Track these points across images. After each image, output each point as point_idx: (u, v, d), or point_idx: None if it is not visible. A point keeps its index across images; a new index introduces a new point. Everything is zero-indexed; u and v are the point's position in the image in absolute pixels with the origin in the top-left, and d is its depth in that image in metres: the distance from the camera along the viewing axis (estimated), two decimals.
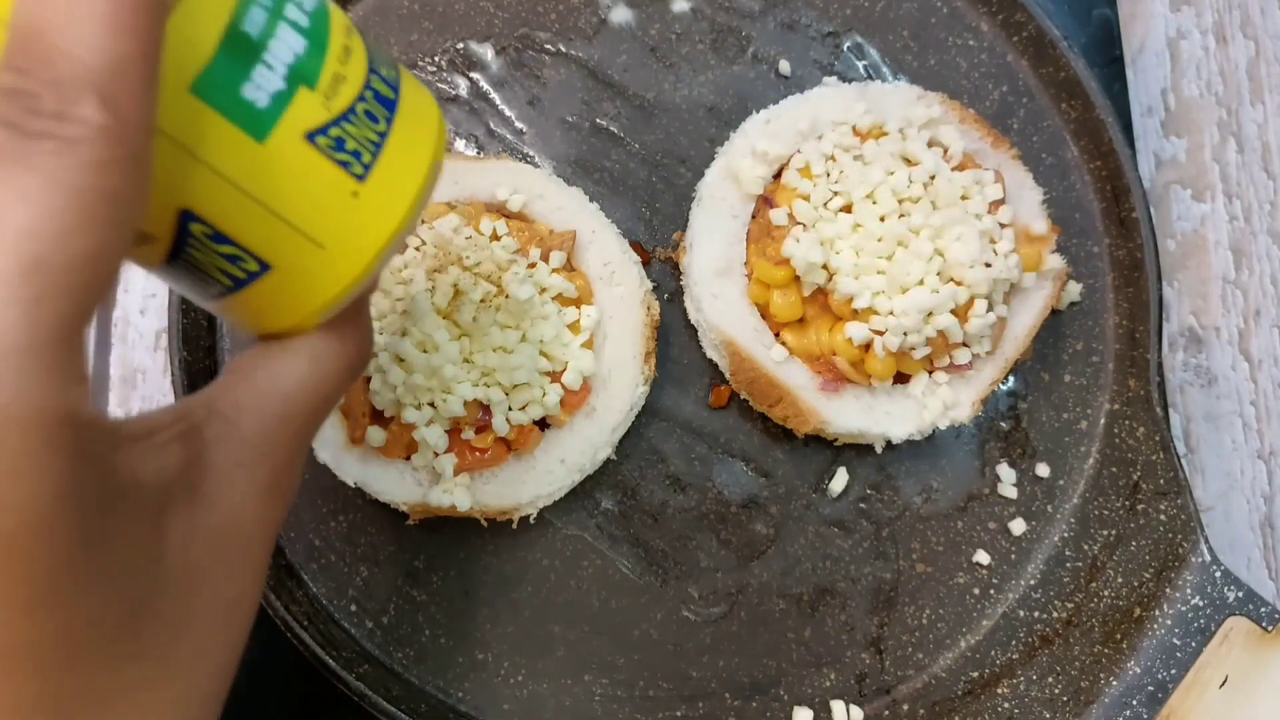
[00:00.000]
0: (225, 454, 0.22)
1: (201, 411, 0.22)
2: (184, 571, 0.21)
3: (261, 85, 0.21)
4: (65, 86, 0.17)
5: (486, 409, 0.42)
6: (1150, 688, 0.42)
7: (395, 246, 0.24)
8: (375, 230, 0.23)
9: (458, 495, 0.42)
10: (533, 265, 0.44)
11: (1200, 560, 0.43)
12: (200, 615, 0.21)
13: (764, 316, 0.45)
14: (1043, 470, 0.47)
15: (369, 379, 0.43)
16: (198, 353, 0.46)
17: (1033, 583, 0.46)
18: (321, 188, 0.22)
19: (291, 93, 0.21)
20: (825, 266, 0.43)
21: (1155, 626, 0.43)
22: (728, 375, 0.46)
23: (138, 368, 0.51)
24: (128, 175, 0.18)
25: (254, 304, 0.24)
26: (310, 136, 0.22)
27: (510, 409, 0.42)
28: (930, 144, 0.46)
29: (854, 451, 0.47)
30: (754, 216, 0.46)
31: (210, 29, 0.20)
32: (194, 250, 0.23)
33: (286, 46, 0.21)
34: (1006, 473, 0.47)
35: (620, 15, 0.51)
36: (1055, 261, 0.46)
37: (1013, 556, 0.47)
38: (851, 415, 0.45)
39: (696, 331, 0.47)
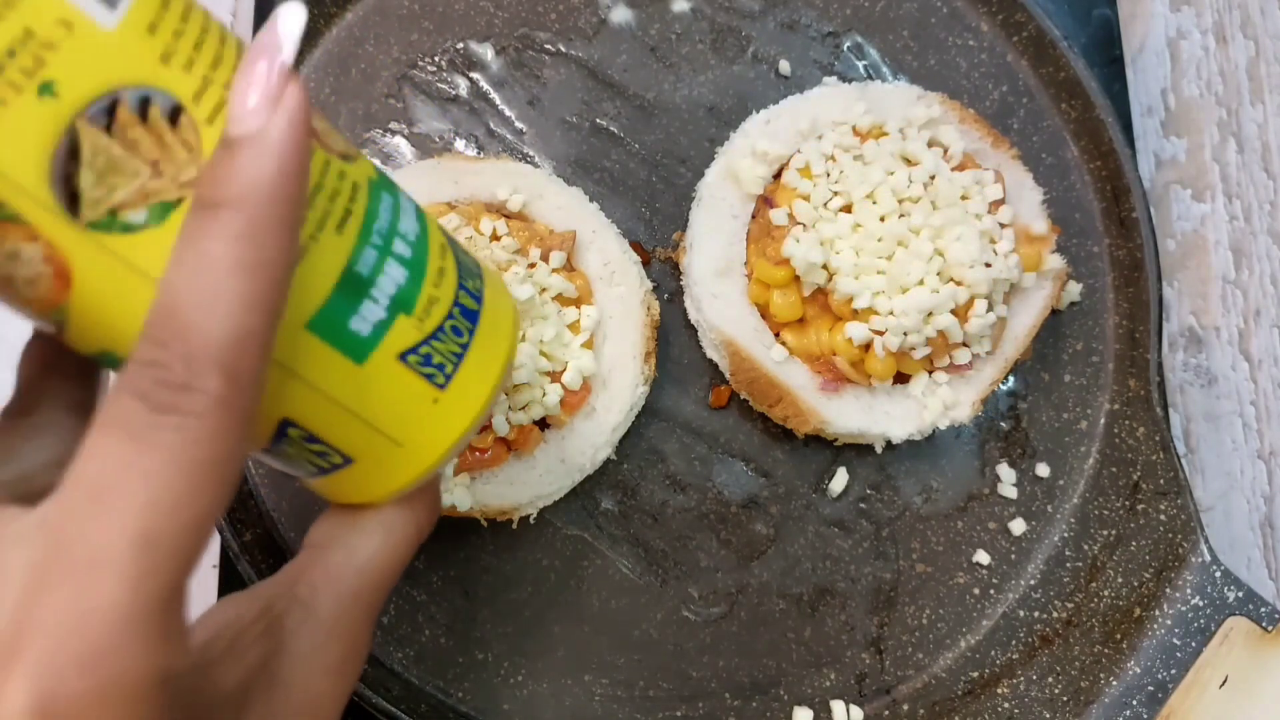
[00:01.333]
0: (303, 640, 0.23)
1: (283, 601, 0.23)
2: None
3: (366, 317, 0.23)
4: (195, 360, 0.18)
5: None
6: (1150, 688, 0.42)
7: (467, 441, 0.26)
8: (450, 430, 0.25)
9: (458, 495, 0.42)
10: (533, 265, 0.44)
11: (1200, 560, 0.43)
12: None
13: (764, 316, 0.45)
14: (1043, 470, 0.47)
15: None
16: None
17: (1033, 583, 0.46)
18: (407, 399, 0.24)
19: (391, 320, 0.23)
20: (825, 266, 0.43)
21: (1155, 626, 0.43)
22: (728, 375, 0.46)
23: None
24: (239, 438, 0.19)
25: (335, 486, 0.26)
26: (403, 356, 0.24)
27: (510, 409, 0.42)
28: (930, 144, 0.46)
29: (854, 451, 0.47)
30: (754, 216, 0.46)
31: (329, 275, 0.22)
32: (288, 446, 0.24)
33: (391, 280, 0.23)
34: (1006, 473, 0.47)
35: (620, 15, 0.51)
36: (1055, 261, 0.46)
37: (1013, 556, 0.47)
38: (851, 415, 0.45)
39: (696, 331, 0.47)
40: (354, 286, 0.23)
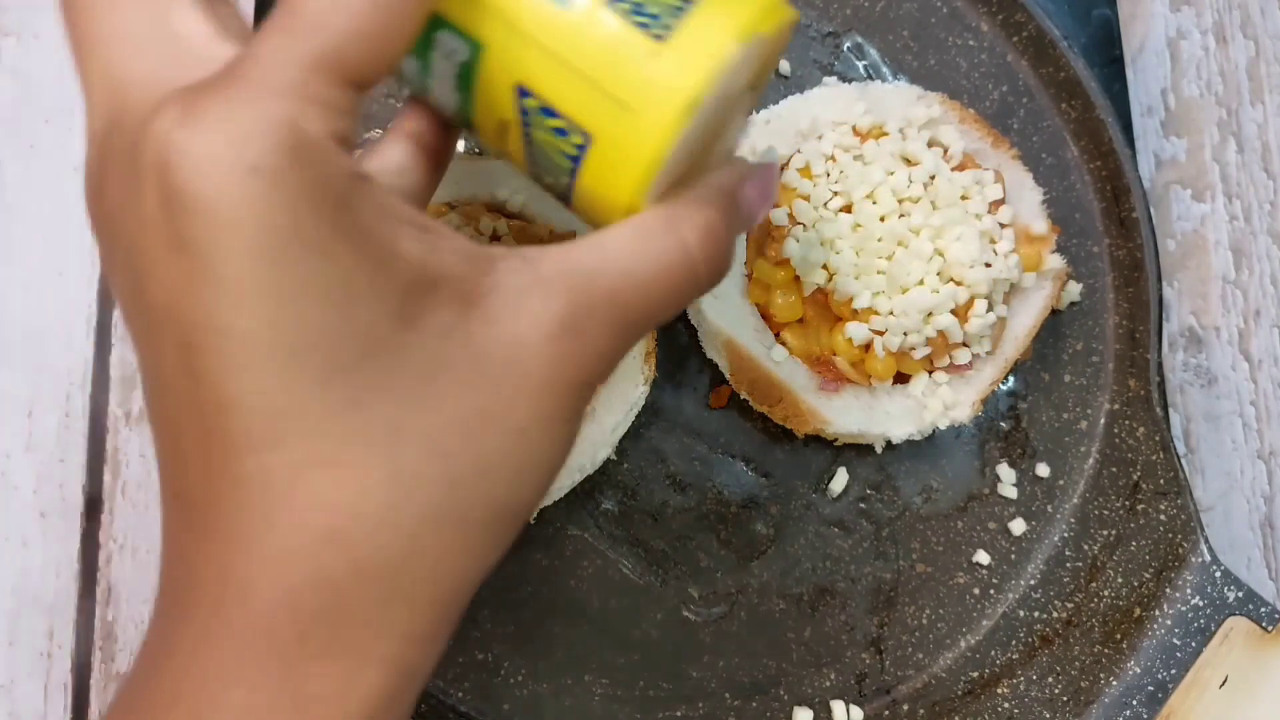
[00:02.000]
0: (515, 281, 0.23)
1: (499, 250, 0.23)
2: (436, 352, 0.22)
3: None
4: None
5: None
6: (1150, 688, 0.42)
7: (702, 111, 0.24)
8: (677, 89, 0.23)
9: None
10: None
11: (1200, 560, 0.43)
12: (433, 396, 0.22)
13: (764, 316, 0.45)
14: (1043, 470, 0.47)
15: None
16: None
17: (1033, 583, 0.46)
18: (620, 47, 0.23)
19: None
20: (825, 266, 0.43)
21: (1155, 626, 0.43)
22: (728, 375, 0.46)
23: (138, 367, 0.51)
24: None
25: (588, 190, 0.25)
26: (610, 1, 0.23)
27: None
28: (930, 144, 0.46)
29: (854, 451, 0.47)
30: None
31: None
32: (534, 129, 0.24)
33: None
34: (1006, 473, 0.47)
35: None
36: (1055, 261, 0.46)
37: (1013, 556, 0.47)
38: (851, 415, 0.45)
39: (696, 331, 0.47)
40: None
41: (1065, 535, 0.47)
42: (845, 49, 0.51)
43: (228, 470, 0.21)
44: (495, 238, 0.44)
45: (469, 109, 0.26)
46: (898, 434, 0.45)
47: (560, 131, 0.24)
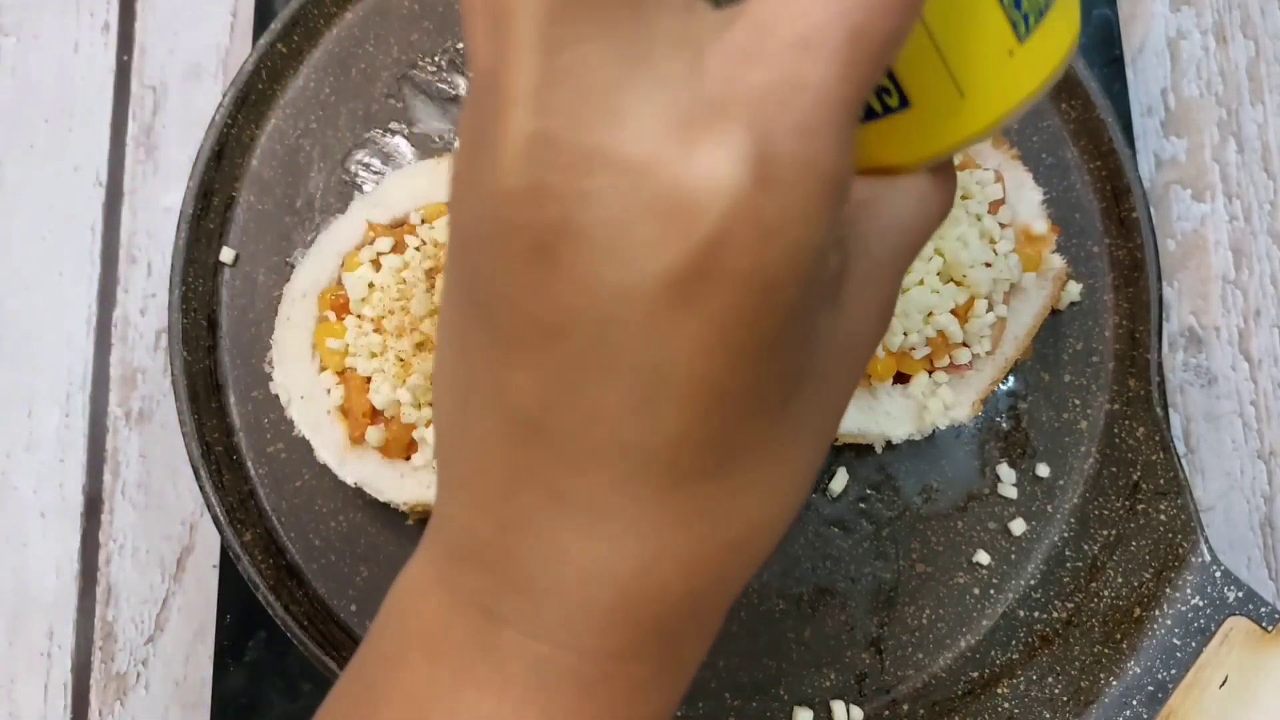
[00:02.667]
0: (860, 270, 0.22)
1: (846, 228, 0.22)
2: (819, 363, 0.21)
3: None
4: None
5: None
6: (1150, 688, 0.42)
7: (1020, 112, 0.24)
8: (1012, 91, 0.23)
9: None
10: None
11: (1200, 560, 0.43)
12: (815, 410, 0.21)
13: None
14: (1043, 470, 0.47)
15: (369, 379, 0.43)
16: (198, 353, 0.46)
17: (1033, 583, 0.46)
18: (989, 40, 0.22)
19: None
20: None
21: (1155, 626, 0.43)
22: None
23: (138, 367, 0.52)
24: None
25: (874, 138, 0.24)
26: None
27: None
28: None
29: (854, 451, 0.47)
30: None
31: None
32: None
33: None
34: (1006, 473, 0.47)
35: None
36: (1055, 261, 0.46)
37: (1013, 556, 0.47)
38: (851, 415, 0.45)
39: None
40: None
41: (1065, 535, 0.47)
42: None
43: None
44: None
45: None
46: (898, 434, 0.45)
47: (881, 90, 0.23)
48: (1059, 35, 0.23)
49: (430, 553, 0.23)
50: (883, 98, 0.23)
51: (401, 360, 0.42)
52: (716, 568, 0.21)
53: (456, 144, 0.20)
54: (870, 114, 0.23)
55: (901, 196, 0.23)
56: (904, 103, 0.23)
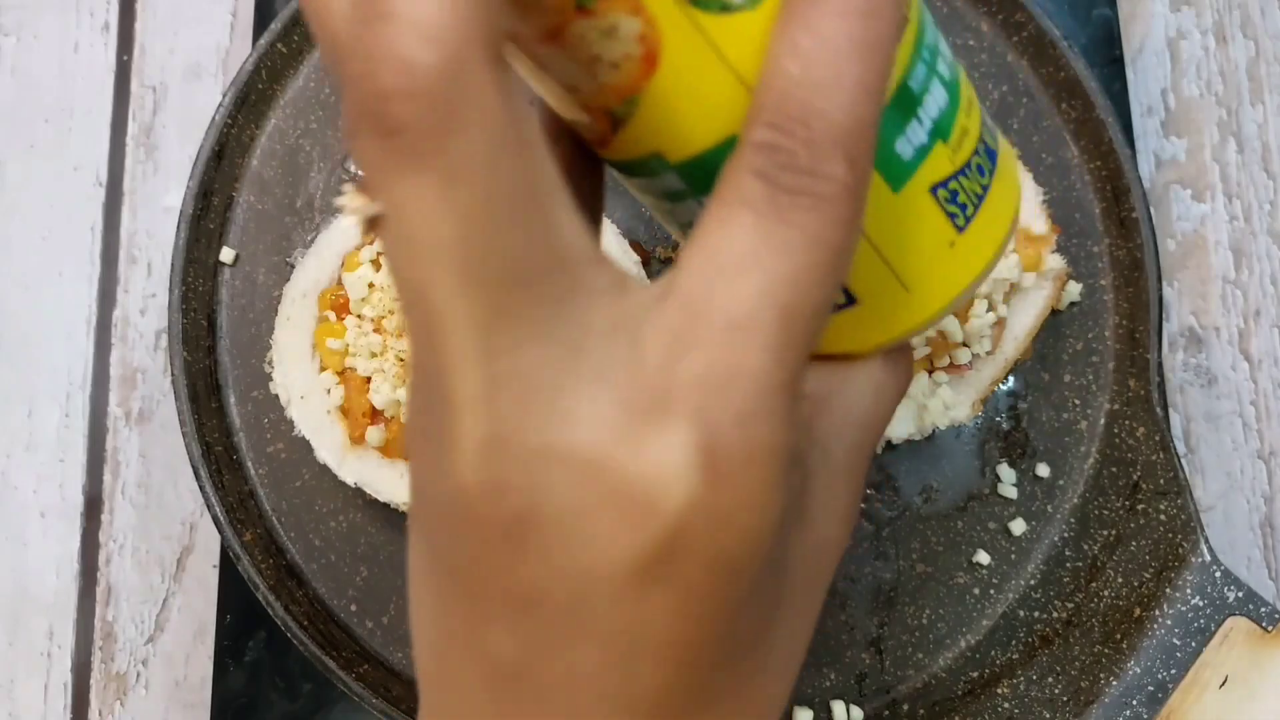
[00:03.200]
0: (822, 480, 0.22)
1: (804, 441, 0.23)
2: (790, 584, 0.21)
3: (910, 139, 0.21)
4: (818, 146, 0.17)
5: None
6: (1150, 688, 0.42)
7: (968, 296, 0.24)
8: (958, 279, 0.23)
9: None
10: None
11: (1200, 560, 0.43)
12: (791, 627, 0.22)
13: None
14: (1043, 470, 0.47)
15: (369, 379, 0.43)
16: (198, 353, 0.46)
17: (1033, 583, 0.46)
18: (928, 236, 0.22)
19: (930, 146, 0.22)
20: None
21: (1155, 626, 0.43)
22: None
23: (138, 367, 0.52)
24: (857, 230, 0.19)
25: (828, 330, 0.24)
26: (934, 189, 0.22)
27: None
28: None
29: None
30: None
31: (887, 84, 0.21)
32: None
33: (934, 101, 0.22)
34: (1006, 473, 0.47)
35: None
36: (1055, 261, 0.46)
37: (1013, 556, 0.47)
38: None
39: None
40: (905, 104, 0.21)
41: (1065, 535, 0.47)
42: None
43: None
44: None
45: None
46: (897, 434, 0.45)
47: None
48: (1000, 215, 0.24)
49: None
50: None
51: (401, 360, 0.42)
52: None
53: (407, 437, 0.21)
54: None
55: (855, 389, 0.24)
56: (850, 300, 0.23)
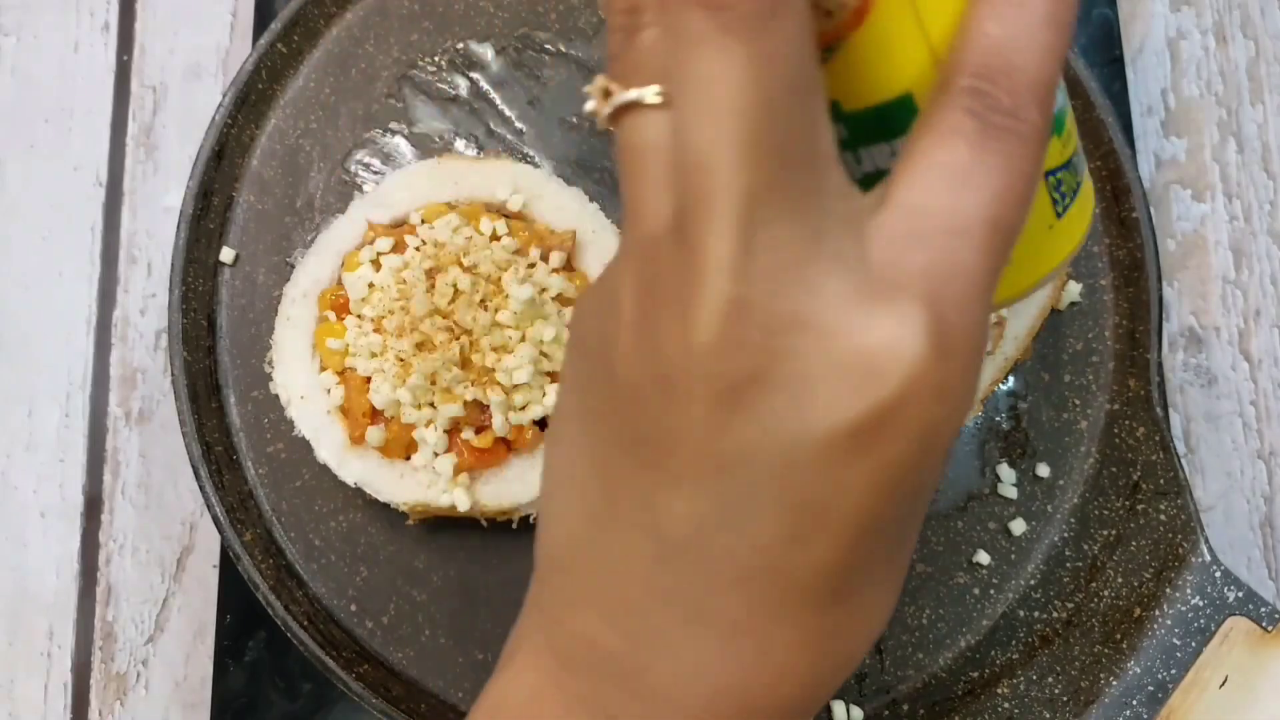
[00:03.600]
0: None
1: None
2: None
3: None
4: (1019, 93, 0.20)
5: (486, 409, 0.42)
6: (1150, 688, 0.42)
7: (1050, 280, 0.27)
8: (1048, 258, 0.26)
9: (457, 495, 0.42)
10: (532, 265, 0.44)
11: (1200, 560, 0.43)
12: (917, 529, 0.24)
13: None
14: (1043, 470, 0.47)
15: (369, 379, 0.43)
16: (198, 353, 0.46)
17: (1033, 583, 0.46)
18: (1035, 217, 0.24)
19: (1049, 137, 0.24)
20: None
21: (1155, 626, 0.43)
22: None
23: (138, 367, 0.52)
24: (1040, 169, 0.21)
25: None
26: (1048, 174, 0.24)
27: (510, 409, 0.42)
28: None
29: None
30: None
31: None
32: None
33: (1056, 100, 0.24)
34: (1006, 473, 0.47)
35: None
36: None
37: (1013, 556, 0.47)
38: None
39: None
40: None
41: (1065, 535, 0.47)
42: None
43: None
44: (495, 238, 0.44)
45: None
46: None
47: None
48: (1085, 209, 0.26)
49: (543, 660, 0.24)
50: None
51: (401, 360, 0.42)
52: (827, 685, 0.23)
53: (587, 287, 0.23)
54: None
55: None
56: None
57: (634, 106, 0.20)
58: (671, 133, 0.19)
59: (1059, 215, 0.25)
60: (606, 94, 0.21)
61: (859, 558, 0.21)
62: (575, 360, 0.23)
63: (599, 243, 0.46)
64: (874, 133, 0.22)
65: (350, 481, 0.44)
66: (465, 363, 0.42)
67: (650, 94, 0.20)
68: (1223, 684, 0.41)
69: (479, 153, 0.49)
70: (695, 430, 0.20)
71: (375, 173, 0.49)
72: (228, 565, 0.47)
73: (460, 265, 0.43)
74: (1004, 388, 0.48)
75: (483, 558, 0.45)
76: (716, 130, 0.18)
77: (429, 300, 0.42)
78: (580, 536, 0.23)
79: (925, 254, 0.19)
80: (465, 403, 0.42)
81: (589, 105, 0.21)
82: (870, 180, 0.22)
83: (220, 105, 0.48)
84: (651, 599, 0.21)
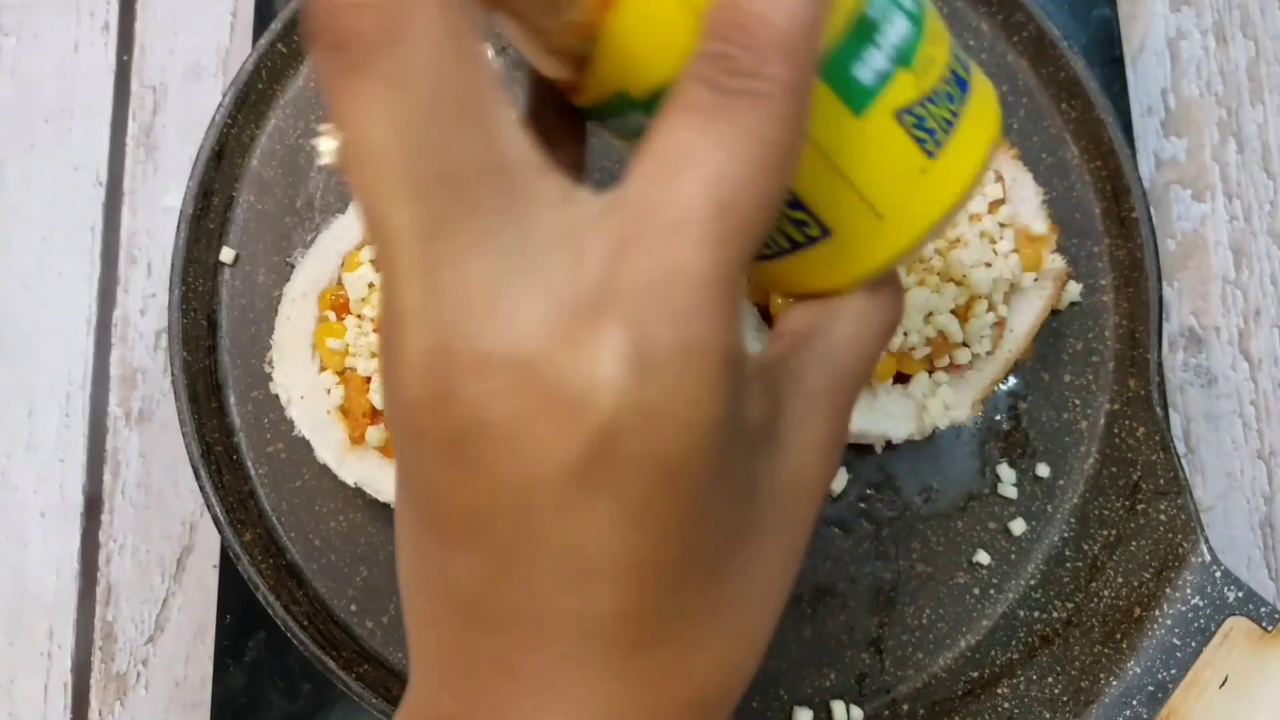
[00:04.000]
0: (795, 409, 0.22)
1: (778, 370, 0.23)
2: (762, 512, 0.21)
3: (870, 64, 0.22)
4: (760, 50, 0.18)
5: None
6: (1150, 688, 0.42)
7: (945, 224, 0.24)
8: (932, 206, 0.24)
9: None
10: None
11: (1200, 560, 0.43)
12: (766, 557, 0.22)
13: (763, 315, 0.45)
14: (1043, 470, 0.47)
15: (369, 379, 0.43)
16: (198, 353, 0.46)
17: (1033, 583, 0.46)
18: (896, 162, 0.23)
19: (892, 71, 0.22)
20: None
21: (1155, 626, 0.43)
22: None
23: (138, 367, 0.52)
24: (800, 127, 0.19)
25: (799, 268, 0.25)
26: (898, 114, 0.22)
27: None
28: None
29: (854, 451, 0.47)
30: None
31: (840, 15, 0.21)
32: None
33: (895, 29, 0.22)
34: (1006, 473, 0.47)
35: None
36: (1055, 261, 0.46)
37: (1013, 556, 0.47)
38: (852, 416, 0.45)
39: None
40: (862, 30, 0.22)
41: (1065, 535, 0.47)
42: None
43: None
44: None
45: None
46: (898, 434, 0.45)
47: (799, 223, 0.23)
48: (975, 142, 0.24)
49: None
50: (804, 229, 0.23)
51: None
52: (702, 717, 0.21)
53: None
54: (795, 245, 0.24)
55: (837, 322, 0.24)
56: (825, 232, 0.23)
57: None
58: None
59: (931, 155, 0.23)
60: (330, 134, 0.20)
61: (654, 598, 0.19)
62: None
63: None
64: None
65: (350, 481, 0.44)
66: None
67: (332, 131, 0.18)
68: (1223, 684, 0.41)
69: None
70: (439, 488, 0.18)
71: None
72: (228, 565, 0.47)
73: None
74: (1004, 388, 0.48)
75: None
76: (368, 175, 0.17)
77: None
78: (409, 600, 0.22)
79: (637, 260, 0.18)
80: None
81: (321, 148, 0.20)
82: None
83: (220, 105, 0.48)
84: (472, 659, 0.20)
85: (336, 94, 0.17)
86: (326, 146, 0.20)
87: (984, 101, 0.25)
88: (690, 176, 0.18)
